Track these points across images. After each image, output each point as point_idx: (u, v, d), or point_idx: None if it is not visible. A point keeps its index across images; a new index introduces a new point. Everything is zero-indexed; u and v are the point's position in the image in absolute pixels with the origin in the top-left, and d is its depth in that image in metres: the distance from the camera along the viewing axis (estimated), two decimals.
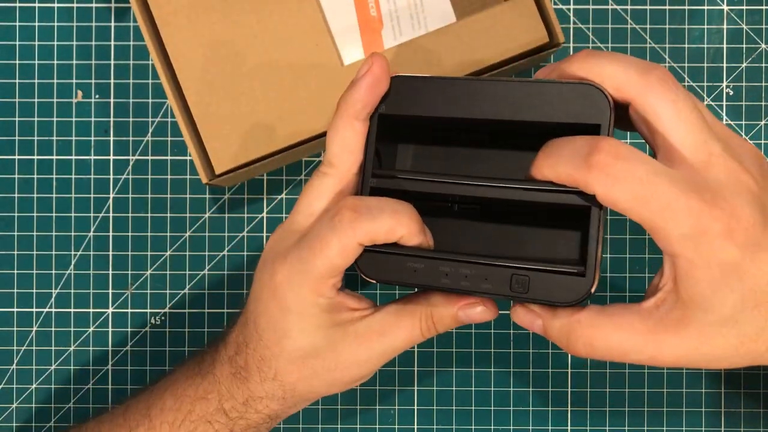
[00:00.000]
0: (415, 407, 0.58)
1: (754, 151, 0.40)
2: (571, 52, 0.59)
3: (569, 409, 0.58)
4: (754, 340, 0.38)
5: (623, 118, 0.40)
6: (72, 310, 0.59)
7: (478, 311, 0.43)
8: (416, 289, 0.45)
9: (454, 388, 0.58)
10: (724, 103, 0.58)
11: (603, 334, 0.39)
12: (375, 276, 0.41)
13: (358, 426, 0.58)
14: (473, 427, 0.58)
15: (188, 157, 0.58)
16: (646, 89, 0.38)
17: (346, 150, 0.42)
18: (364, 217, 0.40)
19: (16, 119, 0.59)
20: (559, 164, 0.38)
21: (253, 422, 0.47)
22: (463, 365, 0.58)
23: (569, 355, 0.58)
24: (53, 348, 0.58)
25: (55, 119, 0.59)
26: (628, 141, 0.58)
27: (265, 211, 0.59)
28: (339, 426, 0.58)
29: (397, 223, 0.41)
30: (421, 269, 0.41)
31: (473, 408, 0.58)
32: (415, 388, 0.58)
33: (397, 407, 0.58)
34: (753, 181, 0.38)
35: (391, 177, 0.42)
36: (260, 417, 0.46)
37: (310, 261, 0.41)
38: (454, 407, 0.58)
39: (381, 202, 0.41)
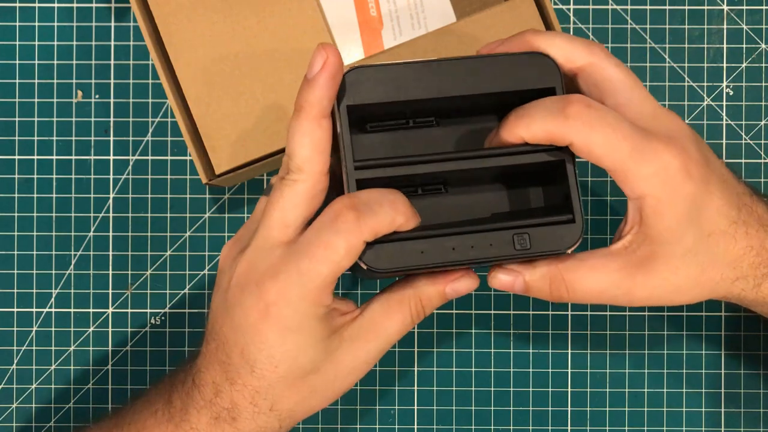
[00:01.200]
0: (415, 407, 0.58)
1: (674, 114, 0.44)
2: None
3: (569, 409, 0.58)
4: (711, 267, 0.43)
5: (569, 91, 0.43)
6: (72, 310, 0.59)
7: (463, 283, 0.43)
8: (402, 277, 0.44)
9: (454, 389, 0.58)
10: (724, 103, 0.59)
11: (581, 277, 0.43)
12: (383, 267, 0.41)
13: (358, 426, 0.58)
14: (473, 427, 0.58)
15: (188, 157, 0.58)
16: (593, 57, 0.42)
17: (318, 151, 0.41)
18: (366, 213, 0.40)
19: (16, 119, 0.59)
20: (533, 122, 0.41)
21: None
22: (463, 365, 0.58)
23: (569, 355, 0.58)
24: (53, 348, 0.58)
25: (55, 119, 0.59)
26: None
27: None
28: (339, 426, 0.58)
29: (396, 213, 0.40)
30: (428, 249, 0.41)
31: (473, 408, 0.58)
32: (415, 388, 0.58)
33: (397, 407, 0.58)
34: (689, 129, 0.43)
35: (376, 166, 0.42)
36: None
37: (312, 270, 0.40)
38: (454, 407, 0.58)
39: (375, 194, 0.41)
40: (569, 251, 0.42)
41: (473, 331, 0.58)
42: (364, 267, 0.41)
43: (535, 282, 0.43)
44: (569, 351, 0.58)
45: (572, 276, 0.43)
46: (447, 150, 0.44)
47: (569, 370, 0.58)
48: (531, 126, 0.41)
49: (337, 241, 0.40)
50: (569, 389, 0.58)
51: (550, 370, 0.58)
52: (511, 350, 0.58)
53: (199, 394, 0.43)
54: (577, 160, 0.42)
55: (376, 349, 0.43)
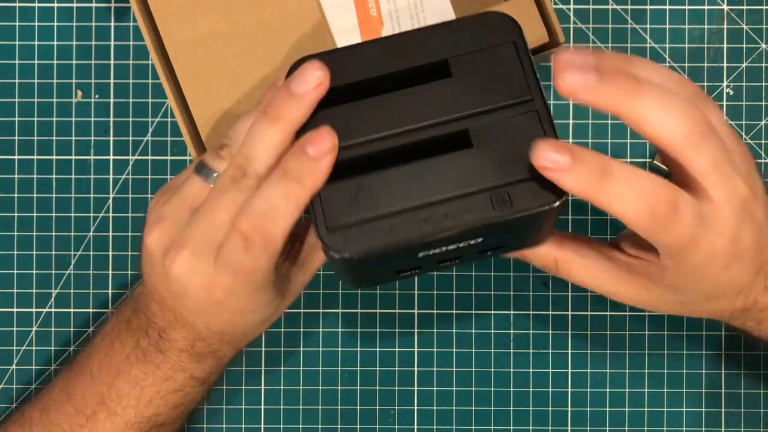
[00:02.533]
0: (415, 408, 0.58)
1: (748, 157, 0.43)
2: None
3: (569, 409, 0.58)
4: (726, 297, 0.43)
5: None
6: (72, 310, 0.58)
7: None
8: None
9: (454, 389, 0.58)
10: (724, 103, 0.58)
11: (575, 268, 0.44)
12: (352, 252, 0.39)
13: (358, 426, 0.58)
14: (473, 427, 0.58)
15: (188, 157, 0.58)
16: (687, 151, 0.39)
17: (276, 159, 0.41)
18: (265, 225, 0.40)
19: (16, 119, 0.59)
20: (620, 201, 0.38)
21: (225, 361, 0.49)
22: (463, 365, 0.58)
23: (569, 355, 0.58)
24: (53, 348, 0.58)
25: (55, 119, 0.59)
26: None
27: None
28: (339, 426, 0.58)
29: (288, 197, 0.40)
30: (397, 225, 0.39)
31: (473, 408, 0.58)
32: (415, 388, 0.58)
33: (397, 408, 0.58)
34: (747, 151, 0.43)
35: (356, 145, 0.41)
36: (228, 357, 0.49)
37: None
38: (454, 407, 0.58)
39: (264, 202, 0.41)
40: (558, 204, 0.39)
41: (473, 331, 0.58)
42: (336, 256, 0.39)
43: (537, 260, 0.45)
44: (569, 351, 0.58)
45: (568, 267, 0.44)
46: (410, 116, 0.41)
47: (569, 370, 0.58)
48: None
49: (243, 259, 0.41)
50: (569, 389, 0.58)
51: (550, 370, 0.58)
52: (511, 350, 0.58)
53: (174, 344, 0.47)
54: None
55: (319, 261, 0.47)
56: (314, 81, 0.40)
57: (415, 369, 0.58)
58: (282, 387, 0.58)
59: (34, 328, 0.58)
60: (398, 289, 0.58)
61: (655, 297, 0.44)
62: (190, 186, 0.44)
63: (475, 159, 0.40)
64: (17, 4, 0.59)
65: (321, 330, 0.58)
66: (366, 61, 0.41)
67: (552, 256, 0.44)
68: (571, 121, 0.58)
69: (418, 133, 0.40)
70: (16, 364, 0.58)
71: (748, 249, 0.41)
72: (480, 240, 0.41)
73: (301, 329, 0.58)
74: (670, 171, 0.43)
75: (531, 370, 0.58)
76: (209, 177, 0.43)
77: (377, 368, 0.58)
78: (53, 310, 0.58)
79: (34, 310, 0.59)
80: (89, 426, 0.48)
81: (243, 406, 0.58)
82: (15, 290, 0.59)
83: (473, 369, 0.58)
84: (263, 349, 0.58)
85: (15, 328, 0.58)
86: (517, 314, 0.58)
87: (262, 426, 0.58)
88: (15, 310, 0.59)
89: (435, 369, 0.58)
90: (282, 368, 0.58)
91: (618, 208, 0.38)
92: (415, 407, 0.58)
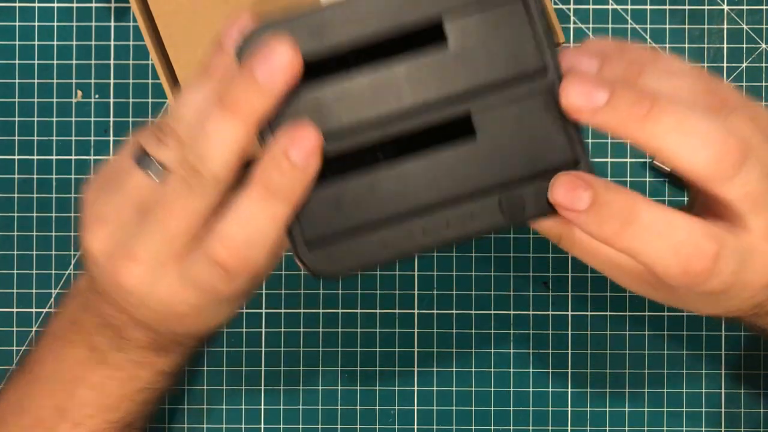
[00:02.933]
0: (415, 408, 0.58)
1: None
2: None
3: (569, 409, 0.58)
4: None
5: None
6: None
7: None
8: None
9: (454, 389, 0.58)
10: None
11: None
12: (337, 270, 0.34)
13: (358, 426, 0.58)
14: (473, 427, 0.58)
15: None
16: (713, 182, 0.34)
17: (240, 161, 0.35)
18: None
19: (16, 119, 0.59)
20: (650, 248, 0.33)
21: (191, 351, 0.45)
22: (463, 365, 0.58)
23: (569, 356, 0.58)
24: None
25: (54, 119, 0.59)
26: None
27: None
28: (339, 426, 0.58)
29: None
30: (391, 239, 0.33)
31: (473, 408, 0.58)
32: (415, 388, 0.58)
33: (397, 408, 0.58)
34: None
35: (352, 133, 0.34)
36: (194, 346, 0.45)
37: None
38: (454, 407, 0.58)
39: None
40: None
41: (473, 331, 0.58)
42: (321, 277, 0.34)
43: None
44: (569, 351, 0.58)
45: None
46: (394, 96, 0.34)
47: (569, 370, 0.58)
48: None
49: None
50: (569, 389, 0.58)
51: (549, 371, 0.58)
52: (511, 350, 0.58)
53: (134, 343, 0.42)
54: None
55: None
56: (285, 66, 0.32)
57: (415, 369, 0.58)
58: (282, 387, 0.58)
59: (34, 328, 0.58)
60: (398, 289, 0.58)
61: (661, 296, 0.38)
62: (132, 181, 0.38)
63: (479, 150, 0.34)
64: (17, 4, 0.59)
65: (321, 330, 0.58)
66: (341, 26, 0.33)
67: (556, 231, 0.37)
68: None
69: (409, 119, 0.34)
70: (16, 364, 0.58)
71: None
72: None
73: (301, 329, 0.58)
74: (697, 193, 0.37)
75: (531, 370, 0.58)
76: (153, 170, 0.37)
77: (377, 368, 0.58)
78: (53, 310, 0.58)
79: (34, 310, 0.58)
80: None
81: (243, 406, 0.58)
82: (15, 290, 0.59)
83: (473, 369, 0.58)
84: (263, 349, 0.58)
85: (15, 328, 0.58)
86: (517, 314, 0.58)
87: (262, 426, 0.58)
88: (15, 310, 0.59)
89: (435, 369, 0.58)
90: (282, 368, 0.58)
91: (644, 259, 0.33)
92: (415, 407, 0.58)
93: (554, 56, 0.34)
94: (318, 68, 0.34)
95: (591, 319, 0.58)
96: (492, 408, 0.58)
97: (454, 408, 0.58)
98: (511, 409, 0.58)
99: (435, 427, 0.58)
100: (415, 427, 0.58)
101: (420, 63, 0.34)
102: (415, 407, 0.58)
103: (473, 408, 0.58)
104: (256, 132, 0.34)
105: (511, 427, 0.58)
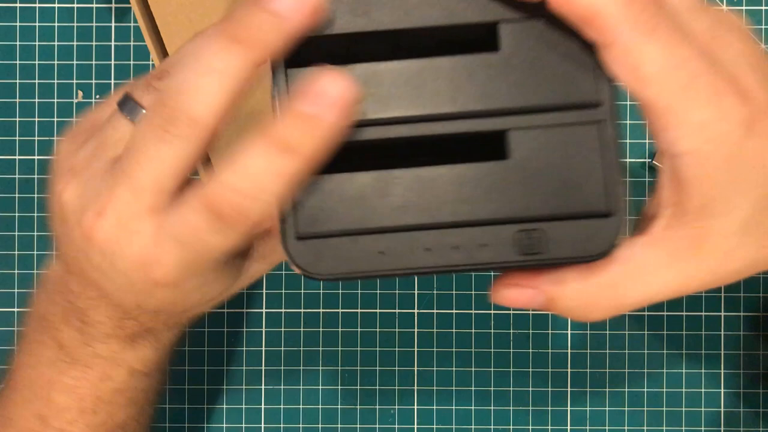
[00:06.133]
0: (415, 407, 0.58)
1: (738, 20, 0.33)
2: None
3: (569, 409, 0.58)
4: (766, 240, 0.32)
5: None
6: None
7: None
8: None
9: (454, 388, 0.58)
10: None
11: (628, 291, 0.32)
12: (323, 271, 0.31)
13: (358, 426, 0.58)
14: (473, 427, 0.58)
15: None
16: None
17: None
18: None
19: (17, 119, 0.59)
20: None
21: (171, 346, 0.42)
22: (463, 365, 0.58)
23: (569, 356, 0.58)
24: None
25: (55, 119, 0.59)
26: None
27: None
28: (339, 426, 0.58)
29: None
30: (390, 249, 0.30)
31: (473, 408, 0.58)
32: (415, 387, 0.58)
33: (397, 407, 0.58)
34: (754, 53, 0.32)
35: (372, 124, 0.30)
36: (176, 336, 0.42)
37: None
38: (454, 407, 0.58)
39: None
40: (600, 256, 0.31)
41: (473, 331, 0.58)
42: (299, 271, 0.31)
43: (564, 302, 0.32)
44: (569, 351, 0.58)
45: (618, 291, 0.32)
46: (430, 98, 0.31)
47: (569, 370, 0.58)
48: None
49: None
50: (569, 389, 0.58)
51: (549, 370, 0.58)
52: (511, 350, 0.58)
53: (96, 330, 0.39)
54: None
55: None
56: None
57: (415, 369, 0.58)
58: (282, 387, 0.58)
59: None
60: (398, 289, 0.58)
61: (725, 269, 0.33)
62: (112, 128, 0.34)
63: (508, 174, 0.30)
64: (18, 5, 0.59)
65: (321, 330, 0.58)
66: (385, 8, 0.30)
67: (584, 292, 0.33)
68: None
69: (442, 123, 0.30)
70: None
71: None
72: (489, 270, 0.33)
73: (302, 329, 0.58)
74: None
75: (531, 369, 0.58)
76: (137, 116, 0.33)
77: (377, 368, 0.58)
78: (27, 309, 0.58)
79: None
80: None
81: (243, 406, 0.58)
82: (16, 290, 0.59)
83: (473, 369, 0.58)
84: (263, 348, 0.58)
85: (15, 328, 0.58)
86: (517, 314, 0.58)
87: (262, 426, 0.58)
88: (15, 310, 0.59)
89: (435, 369, 0.58)
90: (282, 368, 0.58)
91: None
92: (415, 407, 0.58)
93: (611, 92, 0.31)
94: (354, 52, 0.31)
95: None
96: (492, 408, 0.58)
97: (454, 407, 0.58)
98: (511, 408, 0.58)
99: (435, 426, 0.58)
100: (415, 426, 0.58)
101: (467, 66, 0.31)
102: (415, 407, 0.58)
103: (473, 408, 0.58)
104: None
105: (511, 427, 0.58)
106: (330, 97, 0.28)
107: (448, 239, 0.30)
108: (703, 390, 0.58)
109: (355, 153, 0.30)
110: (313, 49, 0.30)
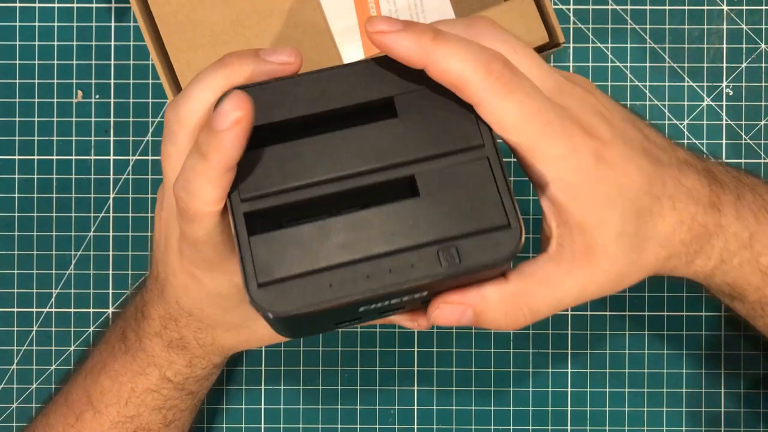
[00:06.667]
0: (415, 407, 0.58)
1: (581, 78, 0.41)
2: (571, 52, 0.59)
3: (569, 409, 0.58)
4: (646, 248, 0.39)
5: None
6: (72, 310, 0.59)
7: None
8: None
9: (454, 388, 0.58)
10: (724, 103, 0.59)
11: (538, 297, 0.39)
12: (285, 309, 0.35)
13: (358, 426, 0.58)
14: (473, 427, 0.58)
15: None
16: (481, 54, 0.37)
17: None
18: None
19: (17, 119, 0.59)
20: (457, 58, 0.36)
21: (202, 375, 0.48)
22: (463, 365, 0.58)
23: (569, 355, 0.58)
24: (53, 348, 0.58)
25: (55, 119, 0.59)
26: None
27: None
28: (339, 426, 0.58)
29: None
30: (337, 281, 0.36)
31: (473, 408, 0.58)
32: (415, 388, 0.58)
33: (397, 407, 0.58)
34: (599, 100, 0.40)
35: (265, 195, 0.37)
36: (208, 369, 0.48)
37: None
38: (454, 407, 0.58)
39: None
40: (509, 257, 0.36)
41: (473, 331, 0.58)
42: (269, 316, 0.36)
43: (488, 315, 0.39)
44: (569, 351, 0.58)
45: (530, 299, 0.39)
46: (351, 160, 0.38)
47: (569, 370, 0.58)
48: (452, 60, 0.36)
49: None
50: (569, 389, 0.58)
51: (549, 370, 0.58)
52: (511, 350, 0.58)
53: (149, 326, 0.46)
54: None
55: None
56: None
57: (415, 369, 0.58)
58: (282, 387, 0.58)
59: (35, 328, 0.58)
60: None
61: (613, 273, 0.40)
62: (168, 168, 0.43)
63: (422, 209, 0.37)
64: (17, 5, 0.59)
65: None
66: (304, 96, 0.38)
67: (504, 300, 0.40)
68: None
69: (360, 179, 0.37)
70: (16, 364, 0.58)
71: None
72: (425, 293, 0.38)
73: None
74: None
75: (531, 370, 0.58)
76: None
77: (377, 368, 0.58)
78: (53, 310, 0.59)
79: (34, 310, 0.59)
80: (78, 426, 0.48)
81: (243, 406, 0.58)
82: (15, 290, 0.59)
83: (473, 369, 0.58)
84: (263, 348, 0.58)
85: (15, 328, 0.58)
86: None
87: (263, 426, 0.58)
88: (15, 310, 0.59)
89: (435, 369, 0.58)
90: (282, 368, 0.58)
91: (456, 66, 0.36)
92: (415, 407, 0.58)
93: (492, 134, 0.38)
94: (282, 129, 0.38)
95: (591, 319, 0.58)
96: (492, 408, 0.58)
97: (454, 408, 0.58)
98: (511, 408, 0.58)
99: (435, 426, 0.58)
100: (415, 427, 0.58)
101: (377, 131, 0.38)
102: (415, 407, 0.58)
103: (473, 408, 0.58)
104: (224, 172, 0.36)
105: (511, 427, 0.58)
106: (225, 113, 0.35)
107: (384, 265, 0.36)
108: (703, 390, 0.58)
109: (299, 209, 0.37)
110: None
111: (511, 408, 0.58)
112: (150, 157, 0.58)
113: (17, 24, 0.59)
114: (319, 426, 0.58)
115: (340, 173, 0.37)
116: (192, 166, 0.36)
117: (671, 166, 0.41)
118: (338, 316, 0.38)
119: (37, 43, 0.59)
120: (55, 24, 0.59)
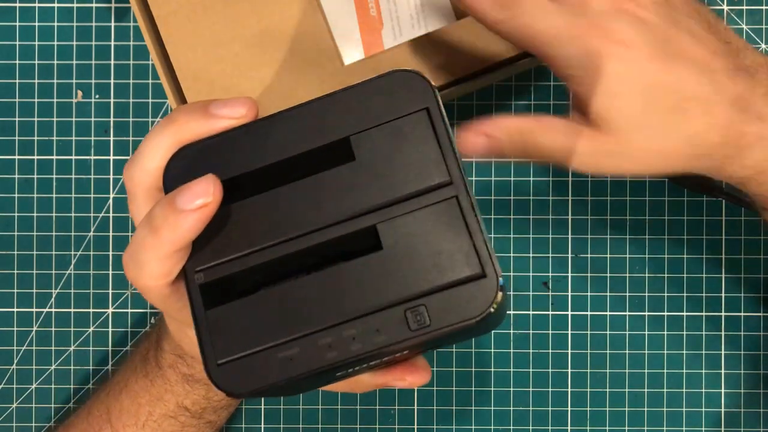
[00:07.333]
0: (415, 407, 0.58)
1: None
2: None
3: (569, 408, 0.58)
4: (668, 140, 0.40)
5: None
6: (72, 310, 0.59)
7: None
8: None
9: (454, 388, 0.58)
10: None
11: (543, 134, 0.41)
12: (245, 388, 0.34)
13: (358, 426, 0.58)
14: (473, 427, 0.58)
15: None
16: None
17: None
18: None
19: (16, 119, 0.59)
20: None
21: (219, 406, 0.49)
22: (462, 365, 0.58)
23: (569, 356, 0.58)
24: (53, 348, 0.58)
25: (55, 119, 0.59)
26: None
27: None
28: (339, 426, 0.58)
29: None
30: (297, 354, 0.33)
31: (473, 408, 0.58)
32: (415, 388, 0.58)
33: (397, 407, 0.58)
34: (635, 6, 0.40)
35: (219, 263, 0.35)
36: (226, 400, 0.49)
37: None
38: (454, 407, 0.58)
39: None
40: (480, 318, 0.33)
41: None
42: (223, 392, 0.34)
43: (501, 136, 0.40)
44: (569, 351, 0.58)
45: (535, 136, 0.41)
46: (309, 214, 0.35)
47: (569, 370, 0.58)
48: None
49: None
50: (569, 389, 0.58)
51: (550, 370, 0.58)
52: (511, 350, 0.58)
53: (164, 359, 0.47)
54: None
55: None
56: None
57: None
58: None
59: (34, 328, 0.58)
60: None
61: (629, 151, 0.41)
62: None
63: (386, 263, 0.34)
64: (17, 4, 0.59)
65: None
66: (257, 147, 0.35)
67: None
68: None
69: (320, 234, 0.34)
70: (16, 364, 0.58)
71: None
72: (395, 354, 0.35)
73: None
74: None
75: (531, 370, 0.58)
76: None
77: None
78: (53, 310, 0.59)
79: (34, 310, 0.59)
80: None
81: (243, 406, 0.58)
82: (15, 290, 0.59)
83: (473, 369, 0.58)
84: None
85: (15, 328, 0.58)
86: (517, 314, 0.58)
87: (262, 426, 0.58)
88: (15, 310, 0.59)
89: (435, 369, 0.58)
90: None
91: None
92: (415, 407, 0.58)
93: (460, 168, 0.34)
94: (235, 187, 0.35)
95: (591, 319, 0.58)
96: (492, 408, 0.58)
97: (454, 408, 0.58)
98: (511, 408, 0.58)
99: (435, 427, 0.58)
100: (415, 427, 0.58)
101: (328, 180, 0.35)
102: (415, 407, 0.58)
103: (473, 408, 0.58)
104: (184, 255, 0.35)
105: (511, 427, 0.58)
106: (194, 193, 0.34)
107: (346, 333, 0.33)
108: (703, 390, 0.58)
109: (258, 272, 0.35)
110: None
111: (511, 408, 0.58)
112: None
113: (17, 24, 0.59)
114: (319, 426, 0.58)
115: (298, 231, 0.35)
116: (141, 239, 0.35)
117: (720, 71, 0.40)
118: (310, 383, 0.36)
119: (37, 43, 0.59)
120: (55, 24, 0.59)
